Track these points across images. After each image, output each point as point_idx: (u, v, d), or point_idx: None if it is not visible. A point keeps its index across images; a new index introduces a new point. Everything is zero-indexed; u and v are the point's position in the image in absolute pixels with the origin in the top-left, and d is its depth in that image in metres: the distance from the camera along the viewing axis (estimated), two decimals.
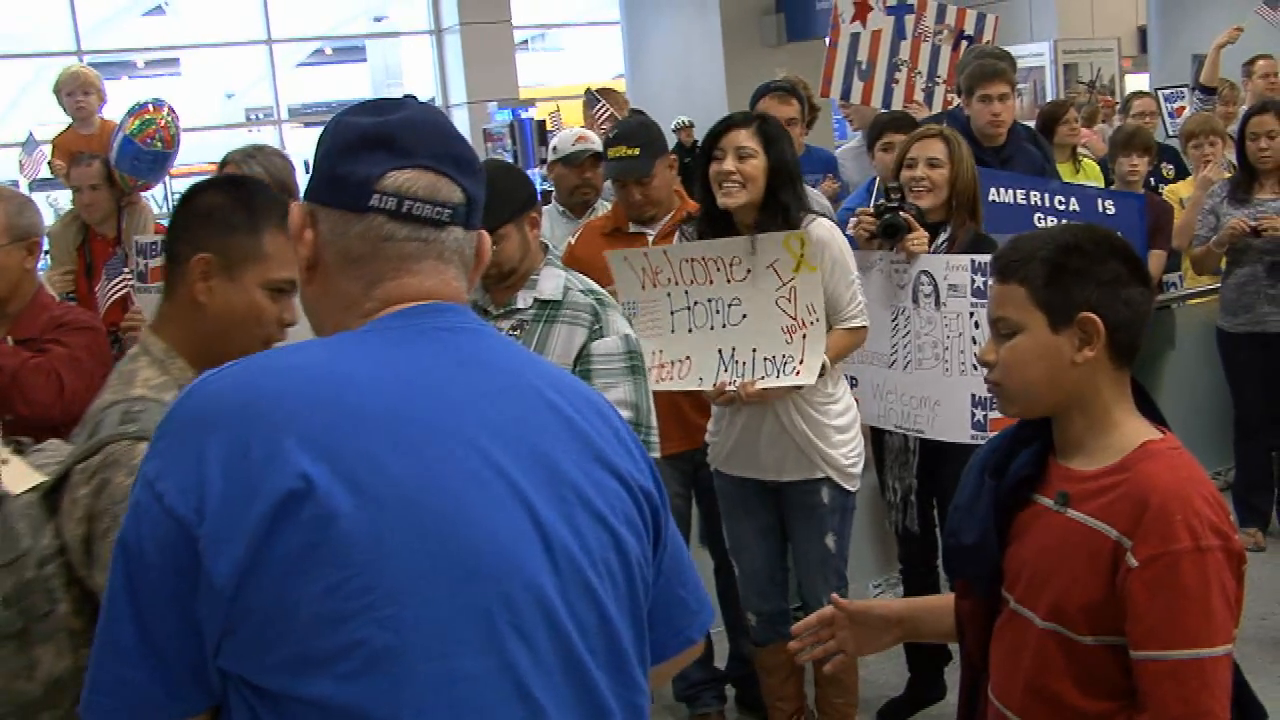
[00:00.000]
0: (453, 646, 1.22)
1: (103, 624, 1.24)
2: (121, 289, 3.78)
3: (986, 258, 3.54)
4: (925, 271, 3.67)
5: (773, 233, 3.36)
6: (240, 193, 2.05)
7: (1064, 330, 1.84)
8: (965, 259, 3.61)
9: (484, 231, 1.45)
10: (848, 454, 3.52)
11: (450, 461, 1.25)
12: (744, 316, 3.41)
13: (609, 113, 4.62)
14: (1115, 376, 1.87)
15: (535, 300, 3.04)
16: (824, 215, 3.52)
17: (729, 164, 3.35)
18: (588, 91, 4.85)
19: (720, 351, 3.44)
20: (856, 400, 3.68)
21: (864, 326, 3.50)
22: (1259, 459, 5.46)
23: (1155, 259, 5.32)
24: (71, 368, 3.02)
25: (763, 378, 3.36)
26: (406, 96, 1.43)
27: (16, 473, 1.85)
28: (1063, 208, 4.73)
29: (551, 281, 3.08)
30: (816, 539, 3.52)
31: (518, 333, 3.03)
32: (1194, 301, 5.83)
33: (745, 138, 3.36)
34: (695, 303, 3.48)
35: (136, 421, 1.84)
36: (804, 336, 3.32)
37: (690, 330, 3.49)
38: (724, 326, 3.43)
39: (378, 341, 1.33)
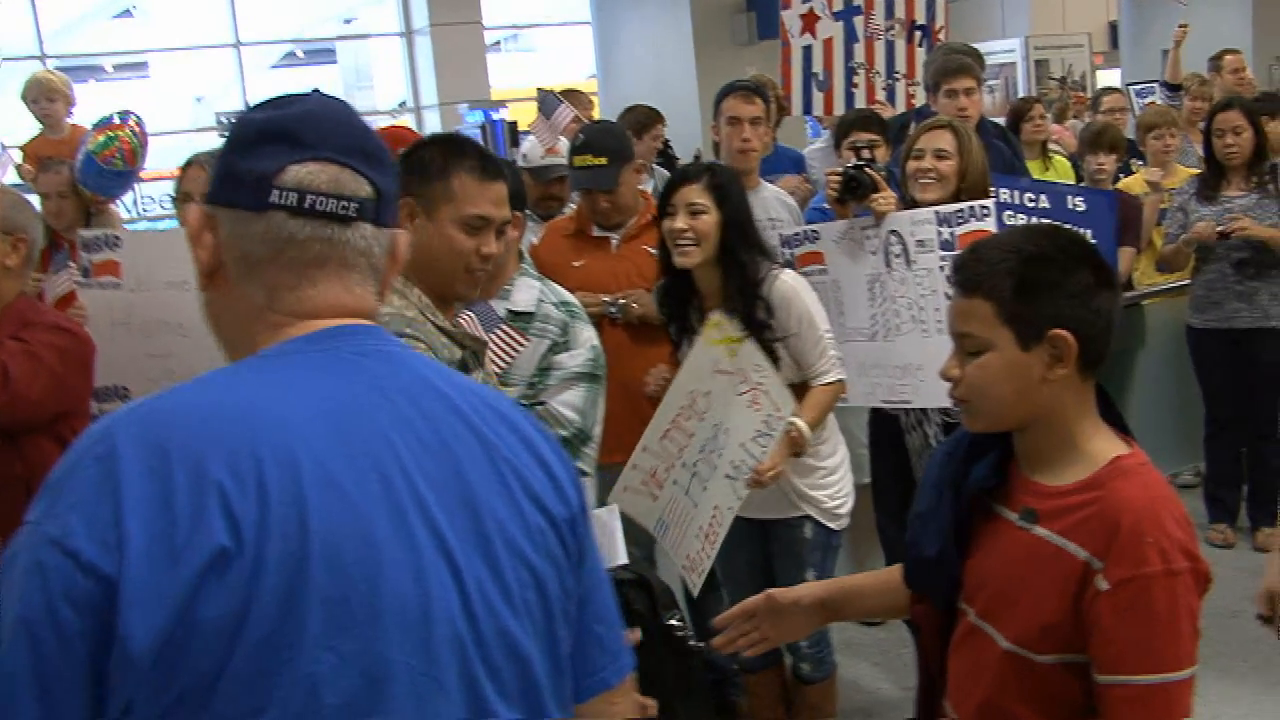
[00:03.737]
0: (370, 704, 1.16)
1: None
2: (66, 285, 3.70)
3: (951, 208, 3.54)
4: (893, 231, 3.62)
5: (698, 343, 3.31)
6: (443, 144, 2.37)
7: (1034, 347, 1.76)
8: (929, 212, 3.56)
9: (400, 231, 1.38)
10: (834, 494, 3.48)
11: (373, 505, 1.18)
12: (726, 432, 3.30)
13: (572, 115, 4.57)
14: (1082, 388, 1.81)
15: (508, 311, 3.01)
16: (786, 266, 3.45)
17: (680, 222, 3.26)
18: (549, 93, 4.78)
19: (728, 477, 3.31)
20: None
21: (840, 381, 3.40)
22: (1228, 456, 5.47)
23: (1125, 256, 5.30)
24: (25, 361, 2.85)
25: (763, 450, 3.24)
26: (313, 91, 1.37)
27: None
28: (1032, 205, 4.70)
29: (525, 293, 3.06)
30: (796, 575, 3.47)
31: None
32: (1163, 298, 5.83)
33: (696, 193, 3.27)
34: (696, 465, 3.35)
35: (386, 328, 2.05)
36: (765, 392, 3.23)
37: (705, 489, 3.36)
38: (719, 456, 3.31)
39: (292, 372, 1.25)
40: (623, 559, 2.76)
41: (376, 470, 1.20)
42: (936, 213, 3.53)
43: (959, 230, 3.48)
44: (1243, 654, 4.28)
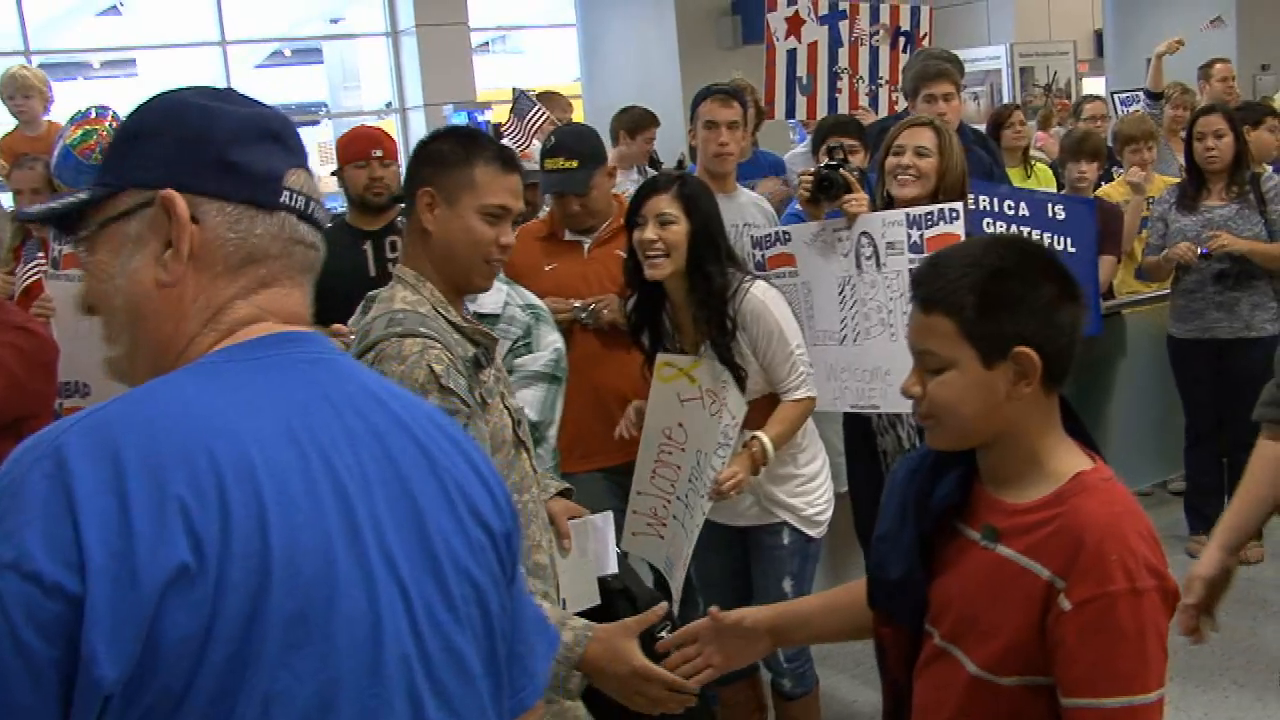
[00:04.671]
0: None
1: None
2: (35, 274, 3.64)
3: (920, 210, 3.49)
4: (865, 233, 3.58)
5: (654, 386, 3.29)
6: (459, 136, 2.40)
7: (998, 365, 1.70)
8: (900, 214, 3.52)
9: None
10: (813, 501, 3.43)
11: (330, 521, 1.15)
12: (705, 456, 3.26)
13: (545, 117, 4.52)
14: (1047, 403, 1.76)
15: (474, 313, 2.99)
16: (758, 269, 3.39)
17: (650, 232, 3.19)
18: (525, 94, 4.73)
19: (703, 497, 3.26)
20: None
21: (810, 398, 3.34)
22: (1209, 466, 5.42)
23: (1105, 264, 5.26)
24: None
25: (722, 460, 3.21)
26: (228, 89, 1.33)
27: None
28: (1012, 213, 4.67)
29: (492, 295, 3.05)
30: (774, 582, 3.44)
31: None
32: (1144, 308, 5.80)
33: (666, 203, 3.20)
34: (687, 495, 3.30)
35: (400, 324, 2.19)
36: (725, 404, 3.21)
37: (691, 516, 3.32)
38: (701, 481, 3.26)
39: (244, 379, 1.19)
40: (613, 568, 2.75)
41: (332, 484, 1.16)
42: (907, 214, 3.49)
43: (928, 233, 3.44)
44: (1224, 667, 4.25)
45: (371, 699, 1.15)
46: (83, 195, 1.28)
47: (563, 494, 2.78)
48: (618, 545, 2.88)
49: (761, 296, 3.27)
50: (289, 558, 1.10)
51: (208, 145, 1.24)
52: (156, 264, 1.24)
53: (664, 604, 2.29)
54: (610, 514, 2.85)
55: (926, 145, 3.61)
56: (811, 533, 3.44)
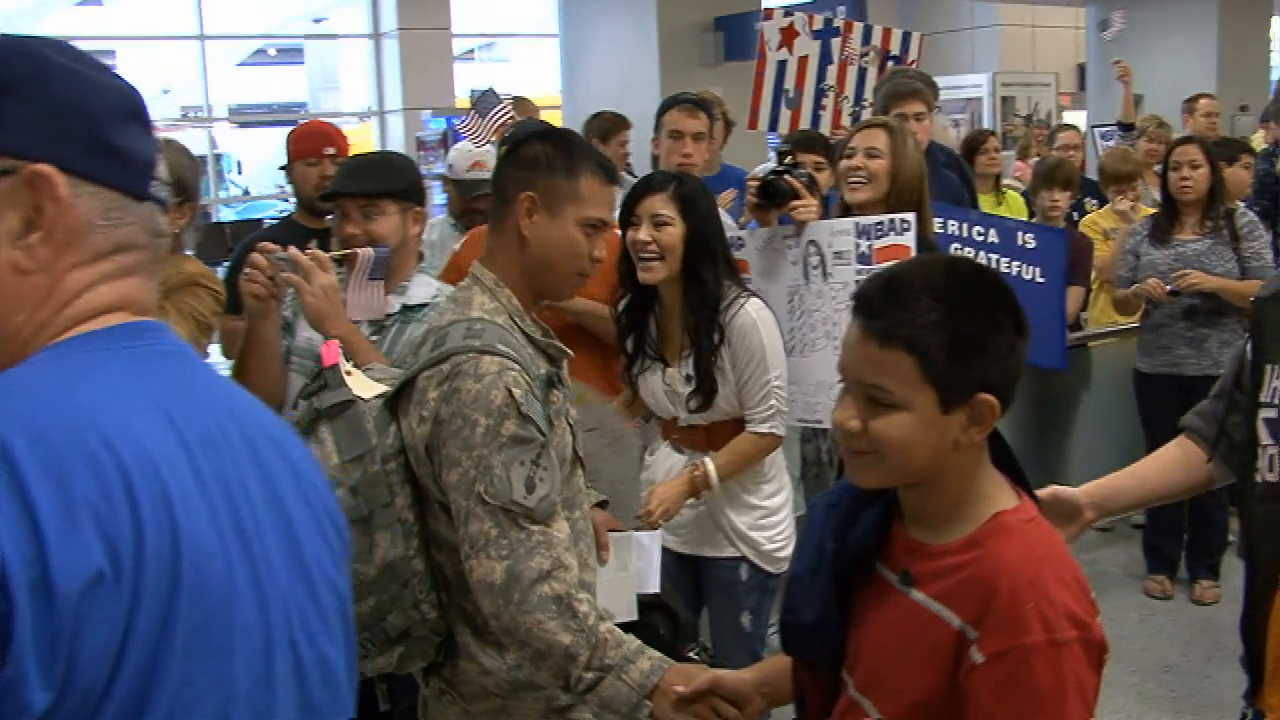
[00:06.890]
0: None
1: None
2: None
3: (871, 220, 3.37)
4: (813, 241, 3.47)
5: (588, 404, 3.12)
6: (561, 142, 2.28)
7: (956, 410, 1.54)
8: (849, 222, 3.42)
9: None
10: (774, 537, 3.30)
11: (225, 527, 1.09)
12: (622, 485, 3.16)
13: (509, 115, 4.41)
14: (982, 441, 1.61)
15: (402, 306, 2.92)
16: (755, 294, 3.26)
17: (644, 233, 3.08)
18: (491, 92, 4.61)
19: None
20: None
21: (771, 435, 3.20)
22: (1169, 505, 5.32)
23: (1074, 295, 5.19)
24: None
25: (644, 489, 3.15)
26: (66, 43, 1.18)
27: (360, 382, 2.12)
28: (981, 239, 4.59)
29: (423, 289, 2.98)
30: (731, 616, 3.33)
31: (376, 337, 2.91)
32: (1111, 341, 5.72)
33: (661, 203, 3.09)
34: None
35: (479, 338, 2.06)
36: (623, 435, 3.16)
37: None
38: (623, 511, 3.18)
39: (120, 370, 1.09)
40: (655, 587, 2.71)
41: (219, 487, 1.10)
42: (856, 224, 3.39)
43: (877, 244, 3.34)
44: (1177, 710, 4.18)
45: (265, 713, 1.11)
46: None
47: (600, 505, 2.68)
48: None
49: (754, 315, 3.15)
50: (196, 567, 1.03)
51: (86, 121, 1.11)
52: (12, 245, 1.09)
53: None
54: (659, 532, 2.80)
55: (878, 147, 3.52)
56: (770, 569, 3.31)
